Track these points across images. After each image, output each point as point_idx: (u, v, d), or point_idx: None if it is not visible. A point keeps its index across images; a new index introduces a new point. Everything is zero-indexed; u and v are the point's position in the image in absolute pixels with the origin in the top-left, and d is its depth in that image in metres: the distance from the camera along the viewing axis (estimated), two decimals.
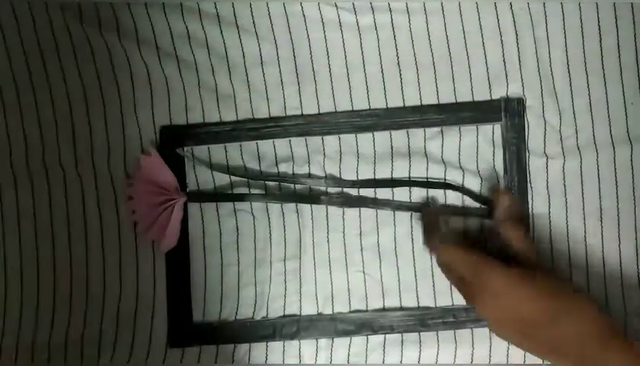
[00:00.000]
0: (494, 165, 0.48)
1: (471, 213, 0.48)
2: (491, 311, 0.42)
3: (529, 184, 0.48)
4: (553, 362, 0.42)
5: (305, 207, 0.49)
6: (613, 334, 0.40)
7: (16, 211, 0.49)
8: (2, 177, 0.49)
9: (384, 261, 0.49)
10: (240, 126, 0.48)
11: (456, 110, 0.48)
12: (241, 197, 0.48)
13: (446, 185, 0.48)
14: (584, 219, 0.48)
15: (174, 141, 0.49)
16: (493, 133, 0.48)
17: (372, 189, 0.48)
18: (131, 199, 0.48)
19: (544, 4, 0.48)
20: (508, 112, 0.48)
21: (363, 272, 0.49)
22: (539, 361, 0.45)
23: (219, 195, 0.49)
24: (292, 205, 0.49)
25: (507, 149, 0.48)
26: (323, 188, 0.49)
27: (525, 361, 0.48)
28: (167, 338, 0.48)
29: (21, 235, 0.49)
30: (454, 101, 0.48)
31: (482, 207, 0.48)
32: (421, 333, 0.48)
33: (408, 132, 0.48)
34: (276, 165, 0.49)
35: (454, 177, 0.48)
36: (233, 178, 0.49)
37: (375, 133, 0.48)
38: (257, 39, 0.49)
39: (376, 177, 0.49)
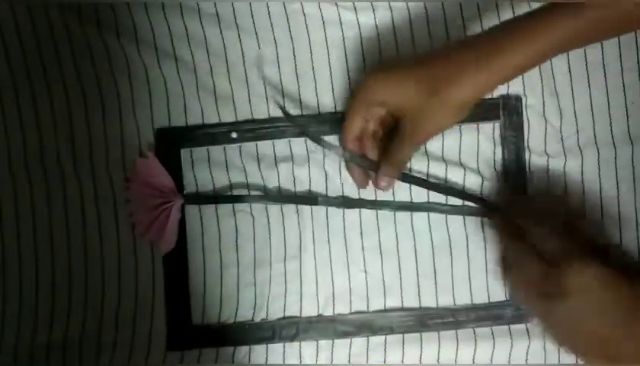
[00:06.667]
0: (494, 163, 0.48)
1: (472, 214, 0.48)
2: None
3: (529, 183, 0.48)
4: None
5: (305, 208, 0.48)
6: None
7: (15, 213, 0.48)
8: (0, 178, 0.48)
9: (385, 260, 0.48)
10: (239, 126, 0.48)
11: None
12: (239, 199, 0.48)
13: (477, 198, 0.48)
14: (585, 218, 0.48)
15: (172, 143, 0.48)
16: (493, 131, 0.48)
17: (373, 189, 0.48)
18: (129, 201, 0.48)
19: None
20: (506, 110, 0.48)
21: (365, 271, 0.48)
22: (542, 361, 0.45)
23: (216, 197, 0.48)
24: (292, 205, 0.48)
25: (506, 147, 0.48)
26: (322, 190, 0.48)
27: (527, 360, 0.48)
28: (166, 342, 0.48)
29: (20, 237, 0.48)
30: None
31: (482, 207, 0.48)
32: (422, 333, 0.48)
33: None
34: (276, 165, 0.48)
35: (455, 175, 0.48)
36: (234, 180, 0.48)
37: None
38: (257, 39, 0.48)
39: None
